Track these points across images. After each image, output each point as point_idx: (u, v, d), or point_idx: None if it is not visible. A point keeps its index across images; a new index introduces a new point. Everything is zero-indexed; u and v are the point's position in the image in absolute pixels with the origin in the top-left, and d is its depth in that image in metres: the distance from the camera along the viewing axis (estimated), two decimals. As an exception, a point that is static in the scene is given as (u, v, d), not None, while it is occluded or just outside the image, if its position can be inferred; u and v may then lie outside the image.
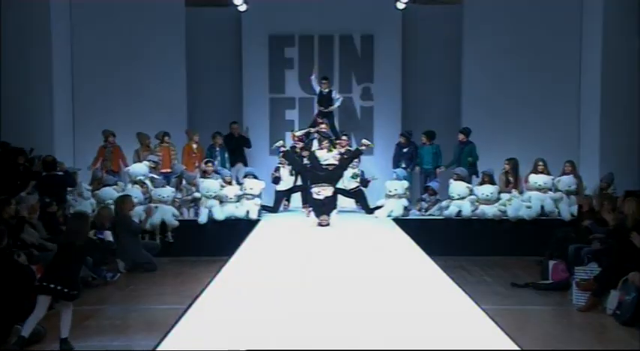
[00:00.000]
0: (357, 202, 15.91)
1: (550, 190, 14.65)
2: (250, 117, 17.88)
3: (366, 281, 8.42)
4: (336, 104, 17.05)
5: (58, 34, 17.08)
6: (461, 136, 16.08)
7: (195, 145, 16.52)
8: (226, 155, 16.70)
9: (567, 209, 14.37)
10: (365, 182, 15.57)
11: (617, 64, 16.36)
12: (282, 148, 14.49)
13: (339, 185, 14.58)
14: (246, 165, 16.93)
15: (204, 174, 15.30)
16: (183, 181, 15.48)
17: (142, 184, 14.60)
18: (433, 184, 15.49)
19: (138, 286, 11.63)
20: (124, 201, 13.11)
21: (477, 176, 15.80)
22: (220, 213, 14.60)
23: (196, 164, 16.09)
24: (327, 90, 16.88)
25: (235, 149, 16.98)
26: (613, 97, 16.42)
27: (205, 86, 18.47)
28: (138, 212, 13.76)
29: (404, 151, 16.38)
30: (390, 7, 17.58)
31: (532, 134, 17.34)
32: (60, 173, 13.67)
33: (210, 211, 14.60)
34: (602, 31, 16.51)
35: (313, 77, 17.16)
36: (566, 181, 14.59)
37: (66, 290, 8.00)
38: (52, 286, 7.97)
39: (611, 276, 9.60)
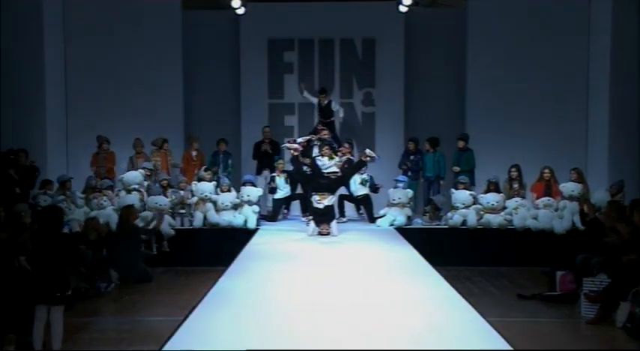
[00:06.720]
0: (358, 210, 15.74)
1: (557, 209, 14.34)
2: (248, 123, 17.64)
3: (369, 293, 8.42)
4: (340, 115, 16.76)
5: (51, 39, 16.97)
6: (461, 143, 15.85)
7: (194, 152, 16.30)
8: (230, 161, 16.44)
9: (570, 217, 14.00)
10: (375, 188, 15.39)
11: (626, 68, 16.19)
12: (294, 153, 13.98)
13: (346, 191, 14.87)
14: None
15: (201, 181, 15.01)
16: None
17: (138, 191, 14.37)
18: (438, 199, 15.17)
19: (132, 297, 11.46)
20: (129, 210, 12.97)
21: (474, 184, 15.59)
22: (216, 216, 14.30)
23: (195, 172, 15.82)
24: (325, 101, 16.57)
25: (265, 155, 16.48)
26: (622, 102, 16.25)
27: (203, 91, 18.33)
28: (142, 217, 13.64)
29: (411, 158, 16.11)
30: (392, 10, 17.43)
31: (538, 140, 17.21)
32: None
33: (205, 216, 14.31)
34: (610, 34, 16.35)
35: (305, 94, 16.97)
36: (570, 186, 14.23)
37: (58, 294, 7.81)
38: (44, 293, 7.78)
39: (621, 287, 9.42)
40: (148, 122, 17.17)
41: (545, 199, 14.34)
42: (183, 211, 14.63)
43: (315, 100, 16.79)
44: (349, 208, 15.77)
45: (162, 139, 16.00)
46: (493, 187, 14.77)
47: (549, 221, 14.03)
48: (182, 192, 14.78)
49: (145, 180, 14.77)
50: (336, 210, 14.23)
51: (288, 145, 14.24)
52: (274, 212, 15.67)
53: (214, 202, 14.45)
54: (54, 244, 7.90)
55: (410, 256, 11.21)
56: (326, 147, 14.90)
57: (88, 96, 17.56)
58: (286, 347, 6.11)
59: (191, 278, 12.78)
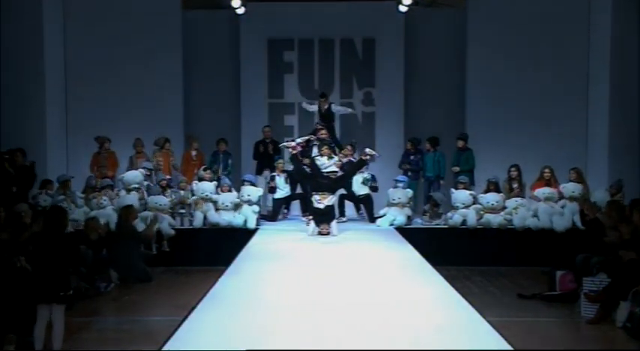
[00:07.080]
0: (358, 210, 15.70)
1: (557, 201, 14.30)
2: (248, 123, 17.63)
3: (368, 293, 8.38)
4: (350, 110, 16.77)
5: (51, 38, 16.94)
6: (461, 143, 15.83)
7: (194, 152, 16.27)
8: (230, 161, 16.45)
9: (570, 217, 13.98)
10: (375, 188, 15.36)
11: (626, 67, 16.21)
12: (293, 151, 13.92)
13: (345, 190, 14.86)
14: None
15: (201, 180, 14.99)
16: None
17: (137, 190, 14.34)
18: (437, 195, 15.15)
19: (132, 297, 11.46)
20: (128, 210, 12.95)
21: (473, 184, 15.59)
22: (216, 216, 14.28)
23: (195, 171, 15.79)
24: (325, 106, 16.50)
25: (265, 155, 16.46)
26: (622, 102, 16.26)
27: (202, 91, 18.32)
28: (142, 217, 13.65)
29: (411, 158, 16.09)
30: (392, 10, 17.49)
31: (538, 140, 17.19)
32: None
33: (205, 216, 14.29)
34: (610, 35, 16.35)
35: (304, 105, 16.94)
36: (570, 187, 14.23)
37: (62, 294, 7.82)
38: (46, 293, 7.78)
39: (621, 287, 9.39)
40: (148, 122, 17.14)
41: (546, 189, 14.30)
42: (183, 211, 14.60)
43: (314, 109, 16.73)
44: (349, 207, 15.74)
45: (165, 138, 15.97)
46: (493, 186, 14.75)
47: (549, 218, 14.02)
48: (182, 192, 14.77)
49: (145, 180, 14.77)
50: (337, 210, 14.23)
51: (286, 143, 14.24)
52: (274, 212, 15.65)
53: (214, 202, 14.44)
54: (56, 244, 7.91)
55: (410, 256, 11.16)
56: (325, 146, 14.86)
57: (88, 95, 17.52)
58: (286, 347, 6.08)
59: (191, 278, 12.76)
